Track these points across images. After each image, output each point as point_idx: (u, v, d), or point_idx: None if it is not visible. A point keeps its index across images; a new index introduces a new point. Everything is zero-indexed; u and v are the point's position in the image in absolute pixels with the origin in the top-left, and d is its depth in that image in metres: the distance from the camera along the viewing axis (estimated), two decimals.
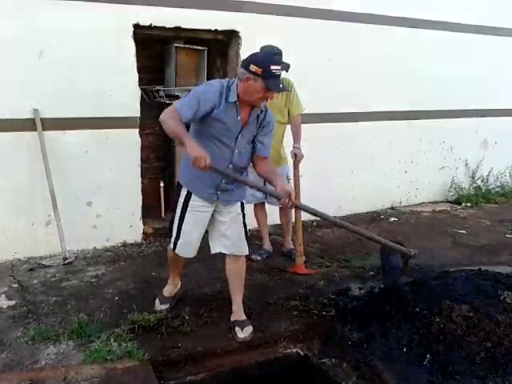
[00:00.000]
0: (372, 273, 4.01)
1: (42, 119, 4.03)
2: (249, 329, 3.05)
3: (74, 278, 3.80)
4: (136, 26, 4.29)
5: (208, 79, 4.97)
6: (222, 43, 4.90)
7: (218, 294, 3.54)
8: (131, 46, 4.30)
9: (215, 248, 3.06)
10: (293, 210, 4.05)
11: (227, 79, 2.91)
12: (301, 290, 3.69)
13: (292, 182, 4.08)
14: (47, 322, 3.11)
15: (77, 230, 4.31)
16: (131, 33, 4.28)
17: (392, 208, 5.89)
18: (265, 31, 4.60)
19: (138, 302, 3.41)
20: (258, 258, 4.19)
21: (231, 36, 4.79)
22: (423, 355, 2.78)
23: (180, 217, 3.01)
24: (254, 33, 4.60)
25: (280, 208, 4.26)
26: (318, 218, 5.17)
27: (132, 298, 3.50)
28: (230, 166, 2.90)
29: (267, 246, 4.32)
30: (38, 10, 3.92)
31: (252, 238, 4.62)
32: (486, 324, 2.80)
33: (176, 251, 3.09)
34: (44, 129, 4.05)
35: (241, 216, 3.06)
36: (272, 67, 2.65)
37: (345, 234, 4.95)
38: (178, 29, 4.50)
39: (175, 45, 4.69)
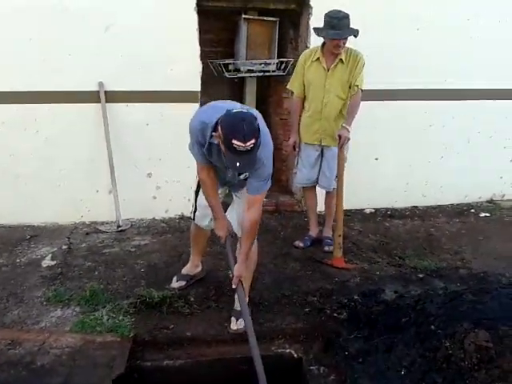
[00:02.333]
0: (421, 275, 3.52)
1: (106, 92, 4.22)
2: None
3: (118, 245, 3.99)
4: None
5: (280, 51, 4.76)
6: (293, 13, 4.60)
7: None
8: (194, 19, 4.24)
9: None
10: (334, 199, 3.71)
11: (214, 114, 2.49)
12: (328, 285, 3.39)
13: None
14: (68, 286, 3.32)
15: (137, 199, 4.51)
16: (194, 5, 4.22)
17: (490, 201, 5.08)
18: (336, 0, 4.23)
19: (160, 276, 3.47)
20: (301, 244, 3.95)
21: (303, 6, 4.47)
22: (419, 383, 2.38)
23: (197, 190, 3.05)
24: (324, 1, 4.22)
25: (326, 193, 3.94)
26: (392, 206, 4.80)
27: (157, 271, 3.56)
28: (227, 180, 2.88)
29: (313, 232, 4.03)
30: None
31: (288, 219, 4.48)
32: (507, 360, 2.27)
33: (195, 221, 3.12)
34: (107, 101, 4.24)
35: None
36: (233, 141, 2.25)
37: (416, 227, 4.46)
38: (244, 0, 4.33)
39: (244, 16, 4.53)
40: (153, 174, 4.51)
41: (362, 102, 4.50)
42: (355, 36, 3.51)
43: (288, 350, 2.82)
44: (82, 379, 2.37)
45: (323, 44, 3.63)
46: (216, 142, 2.46)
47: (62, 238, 4.11)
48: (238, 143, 2.25)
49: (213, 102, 2.68)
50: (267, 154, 2.54)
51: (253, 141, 2.27)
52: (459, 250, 4.00)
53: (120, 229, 4.28)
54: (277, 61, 4.63)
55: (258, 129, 2.34)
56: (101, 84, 4.20)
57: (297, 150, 3.88)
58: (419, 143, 4.83)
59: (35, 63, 4.04)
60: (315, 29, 3.59)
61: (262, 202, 2.71)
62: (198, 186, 3.00)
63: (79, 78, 4.15)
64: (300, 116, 3.82)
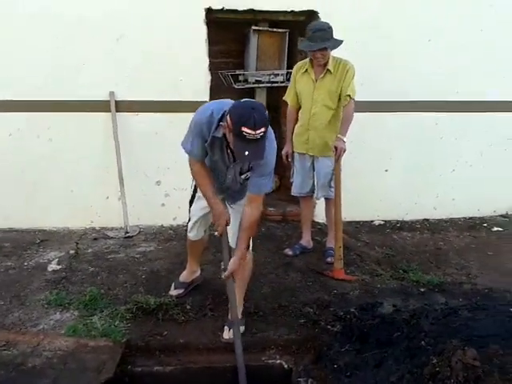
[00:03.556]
0: (423, 290, 3.47)
1: (116, 101, 4.32)
2: None
3: (123, 251, 4.06)
4: (208, 11, 4.28)
5: (289, 62, 4.78)
6: (303, 25, 4.60)
7: None
8: (203, 31, 4.31)
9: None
10: (332, 208, 3.71)
11: (222, 108, 2.49)
12: (326, 296, 3.38)
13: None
14: (70, 290, 3.39)
15: (146, 206, 4.59)
16: (203, 17, 4.29)
17: (504, 216, 4.97)
18: (342, 10, 4.26)
19: (160, 283, 3.52)
20: (290, 252, 3.98)
21: (312, 17, 4.48)
22: None
23: (190, 201, 3.07)
24: (331, 12, 4.24)
25: (325, 203, 3.94)
26: (402, 219, 4.74)
27: (158, 278, 3.61)
28: (226, 186, 2.85)
29: (305, 241, 4.05)
30: None
31: (294, 229, 4.46)
32: (494, 380, 2.21)
33: (187, 233, 3.18)
34: (118, 110, 4.34)
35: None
36: (243, 129, 2.26)
37: (425, 240, 4.40)
38: (252, 11, 4.38)
39: (253, 28, 4.58)
40: (162, 181, 4.58)
41: (373, 114, 4.55)
42: (332, 48, 3.55)
43: (278, 361, 2.82)
44: (70, 382, 2.41)
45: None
46: (220, 134, 2.47)
47: (71, 242, 4.21)
48: (248, 131, 2.25)
49: (220, 100, 2.66)
50: (271, 150, 2.55)
51: (262, 129, 2.29)
52: (466, 264, 3.93)
53: (127, 235, 4.36)
54: (285, 72, 4.65)
55: (268, 118, 2.37)
56: (112, 93, 4.31)
57: (289, 159, 3.92)
58: (430, 155, 4.78)
59: (48, 72, 4.17)
60: (299, 39, 3.66)
61: (262, 200, 2.71)
62: (193, 197, 3.02)
63: (91, 88, 4.25)
64: (294, 126, 3.86)
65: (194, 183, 3.01)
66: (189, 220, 3.14)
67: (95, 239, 4.30)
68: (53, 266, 3.75)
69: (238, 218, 2.86)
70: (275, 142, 2.62)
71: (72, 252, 4.01)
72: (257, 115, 2.28)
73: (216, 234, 2.84)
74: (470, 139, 4.77)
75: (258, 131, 2.27)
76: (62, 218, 4.49)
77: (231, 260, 2.70)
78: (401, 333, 2.73)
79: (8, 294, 3.32)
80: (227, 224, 2.76)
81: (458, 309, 2.83)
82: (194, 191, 3.02)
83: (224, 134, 2.48)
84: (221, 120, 2.46)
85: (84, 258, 3.91)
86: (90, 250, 4.07)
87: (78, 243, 4.20)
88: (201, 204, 2.98)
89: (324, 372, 2.67)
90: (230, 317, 2.98)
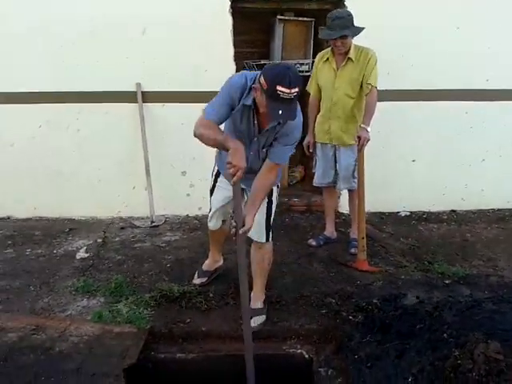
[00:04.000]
0: (448, 282, 3.42)
1: (142, 92, 4.38)
2: (259, 319, 2.95)
3: (149, 240, 4.14)
4: (234, 0, 4.28)
5: (315, 51, 4.73)
6: (328, 13, 4.55)
7: None
8: (228, 21, 4.31)
9: None
10: (356, 199, 3.68)
11: (252, 76, 2.50)
12: (349, 287, 3.36)
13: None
14: (97, 277, 3.48)
15: (172, 196, 4.66)
16: (228, 7, 4.29)
17: None
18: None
19: (185, 272, 3.57)
20: (314, 243, 3.97)
21: (338, 5, 4.43)
22: None
23: (211, 190, 3.08)
24: (359, 1, 4.19)
25: (349, 194, 3.92)
26: (429, 210, 4.68)
27: (182, 266, 3.67)
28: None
29: (329, 232, 4.03)
30: None
31: (318, 220, 4.45)
32: None
33: (208, 221, 3.17)
34: (144, 101, 4.40)
35: (265, 202, 2.90)
36: (278, 88, 2.25)
37: (452, 232, 4.33)
38: (277, 0, 4.36)
39: (278, 17, 4.55)
40: (187, 172, 4.63)
41: (401, 102, 4.49)
42: (352, 36, 3.50)
43: (299, 351, 2.83)
44: (95, 366, 2.48)
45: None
46: (250, 102, 2.45)
47: (99, 231, 4.31)
48: (283, 89, 2.25)
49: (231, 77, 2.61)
50: (299, 119, 2.55)
51: (297, 89, 2.29)
52: (493, 257, 3.84)
53: (153, 224, 4.43)
54: (311, 61, 4.62)
55: (301, 78, 2.37)
56: (138, 85, 4.36)
57: (310, 150, 3.91)
58: (459, 145, 4.67)
59: (77, 65, 4.26)
60: (319, 29, 3.61)
61: (278, 169, 2.70)
62: (213, 186, 3.04)
63: (118, 79, 4.33)
64: (316, 116, 3.84)
65: (214, 171, 3.03)
66: (210, 210, 3.16)
67: (122, 228, 4.39)
68: (81, 254, 3.85)
69: (259, 209, 2.86)
70: (302, 116, 2.61)
71: (99, 240, 4.11)
72: (292, 74, 2.29)
73: (231, 181, 2.38)
74: (501, 129, 4.64)
75: (292, 90, 2.27)
76: (90, 208, 4.60)
77: (246, 218, 2.48)
78: (423, 324, 2.71)
79: (38, 281, 3.43)
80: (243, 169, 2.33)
81: (483, 301, 2.78)
82: (215, 181, 3.04)
83: (254, 101, 2.47)
84: (250, 88, 2.47)
85: (111, 247, 4.00)
86: (117, 239, 4.15)
87: (105, 232, 4.30)
88: (220, 194, 3.00)
89: (345, 362, 2.67)
90: (251, 305, 3.00)
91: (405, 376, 2.44)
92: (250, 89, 2.47)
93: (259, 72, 2.43)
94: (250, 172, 2.65)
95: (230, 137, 2.45)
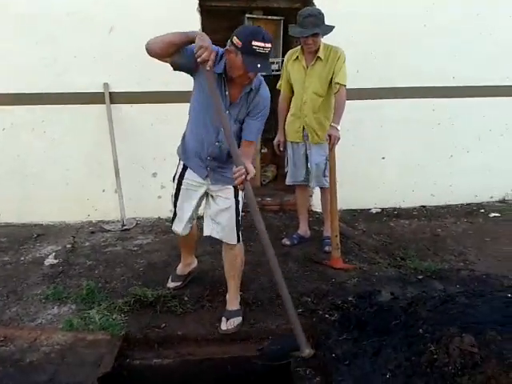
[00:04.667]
0: (421, 277, 3.47)
1: (110, 93, 4.29)
2: (235, 320, 2.92)
3: (120, 244, 4.05)
4: None
5: (284, 50, 4.73)
6: (297, 11, 4.56)
7: None
8: (197, 19, 4.27)
9: (206, 231, 2.95)
10: (328, 197, 3.68)
11: (223, 48, 2.57)
12: (324, 285, 3.37)
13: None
14: (67, 284, 3.38)
15: (143, 199, 4.59)
16: (196, 5, 4.24)
17: (502, 201, 4.96)
18: None
19: (158, 275, 3.51)
20: (288, 242, 3.97)
21: (307, 4, 4.43)
22: None
23: (175, 193, 2.98)
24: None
25: (320, 192, 3.93)
26: (399, 206, 4.74)
27: (155, 271, 3.60)
28: (217, 143, 2.73)
29: (302, 231, 4.04)
30: None
31: (292, 219, 4.44)
32: (492, 366, 2.21)
33: (172, 227, 3.08)
34: (112, 102, 4.30)
35: (234, 203, 2.87)
36: (254, 43, 2.34)
37: (422, 227, 4.39)
38: None
39: (247, 15, 4.53)
40: (158, 173, 4.56)
41: (369, 101, 4.53)
42: (323, 34, 3.51)
43: None
44: (68, 377, 2.41)
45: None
46: (221, 70, 2.50)
47: (68, 236, 4.20)
48: (259, 43, 2.34)
49: None
50: (267, 93, 2.64)
51: (270, 44, 2.39)
52: (464, 251, 3.92)
53: (124, 228, 4.35)
54: (280, 60, 4.61)
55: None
56: (106, 85, 4.27)
57: (281, 148, 3.91)
58: (427, 142, 4.76)
59: (42, 65, 4.16)
60: (289, 26, 3.62)
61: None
62: (178, 189, 2.94)
63: (85, 80, 4.24)
64: (286, 115, 3.85)
65: (177, 173, 2.91)
66: (174, 214, 3.03)
67: (92, 232, 4.30)
68: (50, 261, 3.74)
69: (228, 210, 2.84)
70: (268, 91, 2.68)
71: (69, 246, 4.01)
72: (264, 31, 2.40)
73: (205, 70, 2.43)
74: (468, 125, 4.75)
75: (267, 44, 2.37)
76: (58, 212, 4.48)
77: (247, 166, 2.47)
78: (398, 321, 2.73)
79: (5, 290, 3.31)
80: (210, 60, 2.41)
81: (456, 296, 2.82)
82: (179, 183, 2.92)
83: (224, 70, 2.51)
84: (220, 57, 2.52)
85: (81, 252, 3.90)
86: (87, 244, 4.06)
87: (74, 237, 4.20)
88: (187, 201, 2.92)
89: (322, 361, 2.66)
90: (227, 307, 2.99)
91: (382, 372, 2.44)
92: (221, 57, 2.52)
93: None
94: (221, 148, 2.72)
95: (199, 118, 2.62)
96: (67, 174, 4.42)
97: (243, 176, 2.45)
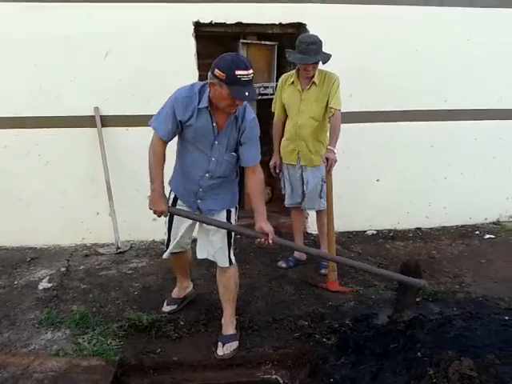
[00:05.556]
0: (418, 299, 3.44)
1: (101, 116, 4.29)
2: (231, 345, 2.89)
3: (115, 268, 4.02)
4: (197, 24, 4.30)
5: (278, 74, 4.79)
6: (292, 37, 4.63)
7: None
8: (192, 45, 4.32)
9: (201, 254, 2.95)
10: (325, 220, 3.69)
11: (201, 82, 2.68)
12: (321, 308, 3.35)
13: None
14: (61, 308, 3.34)
15: (137, 222, 4.53)
16: (192, 31, 4.30)
17: (496, 223, 4.99)
18: (331, 22, 4.28)
19: (153, 299, 3.48)
20: (284, 265, 3.97)
21: (300, 29, 4.51)
22: None
23: (169, 220, 2.98)
24: (320, 24, 4.27)
25: (317, 215, 3.94)
26: (394, 228, 4.75)
27: (150, 294, 3.57)
28: (207, 174, 2.77)
29: (298, 253, 4.03)
30: (105, 12, 4.16)
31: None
32: None
33: (164, 255, 3.09)
34: (103, 125, 4.30)
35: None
36: (237, 72, 2.38)
37: (418, 249, 4.40)
38: (241, 25, 4.40)
39: (242, 41, 4.59)
40: None
41: (364, 124, 4.59)
42: (323, 62, 3.55)
43: (274, 376, 2.80)
44: None
45: (298, 68, 3.66)
46: (206, 104, 2.54)
47: (62, 260, 4.16)
48: (242, 72, 2.38)
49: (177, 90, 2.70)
50: (253, 115, 2.70)
51: (251, 70, 2.44)
52: (459, 273, 3.93)
53: (119, 251, 4.32)
54: (274, 84, 4.66)
55: None
56: (96, 109, 4.28)
57: (277, 171, 3.94)
58: (421, 164, 4.80)
59: (36, 89, 4.16)
60: (287, 51, 3.67)
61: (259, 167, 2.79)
62: (171, 217, 2.94)
63: (76, 103, 4.25)
64: (281, 138, 3.88)
65: (169, 200, 2.92)
66: (168, 240, 3.03)
67: (86, 256, 4.26)
68: (44, 285, 3.70)
69: (220, 231, 2.84)
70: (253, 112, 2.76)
71: (63, 269, 3.97)
72: (243, 58, 2.52)
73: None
74: (461, 147, 4.80)
75: (250, 71, 2.42)
76: (52, 235, 4.44)
77: (263, 225, 2.66)
78: (397, 344, 2.71)
79: None
80: (163, 214, 2.81)
81: (453, 318, 2.82)
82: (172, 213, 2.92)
83: (210, 103, 2.55)
84: (200, 92, 2.56)
85: (75, 276, 3.86)
86: (81, 267, 4.02)
87: (68, 260, 4.16)
88: (182, 224, 2.93)
89: None
90: (223, 332, 2.96)
91: None
92: (201, 93, 2.56)
93: (200, 83, 2.63)
94: (212, 178, 2.76)
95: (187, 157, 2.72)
96: (62, 197, 4.39)
97: (266, 242, 2.68)
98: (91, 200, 4.44)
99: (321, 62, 3.59)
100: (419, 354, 2.52)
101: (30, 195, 4.35)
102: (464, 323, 2.72)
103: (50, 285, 3.70)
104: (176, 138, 2.80)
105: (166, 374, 2.77)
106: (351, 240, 4.63)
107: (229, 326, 2.98)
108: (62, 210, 4.42)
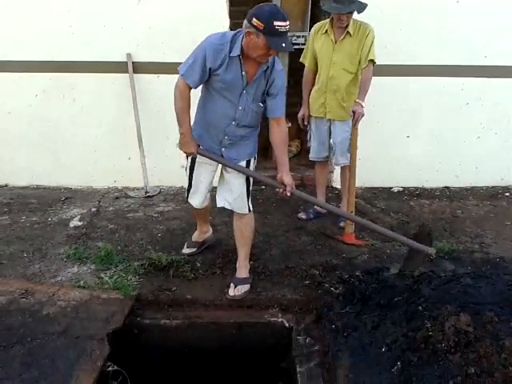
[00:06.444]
0: (433, 257, 3.46)
1: (133, 63, 4.36)
2: (243, 287, 3.03)
3: (142, 210, 4.20)
4: None
5: (312, 24, 4.68)
6: None
7: None
8: None
9: (219, 202, 3.06)
10: (347, 174, 3.70)
11: (233, 31, 2.68)
12: (334, 260, 3.43)
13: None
14: (88, 245, 3.56)
15: (167, 168, 4.68)
16: None
17: None
18: None
19: (174, 242, 3.65)
20: (303, 216, 4.04)
21: None
22: (396, 361, 2.40)
23: (191, 167, 3.09)
24: None
25: (341, 169, 3.94)
26: (422, 186, 4.70)
27: (173, 237, 3.74)
28: (233, 122, 2.81)
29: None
30: None
31: (311, 194, 4.45)
32: (485, 346, 2.24)
33: (188, 200, 3.18)
34: (135, 71, 4.38)
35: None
36: (276, 23, 2.39)
37: (442, 208, 4.36)
38: None
39: None
40: None
41: (394, 78, 4.47)
42: (358, 12, 3.45)
43: (280, 320, 2.91)
44: (80, 330, 2.58)
45: (332, 17, 3.58)
46: (238, 52, 2.55)
47: (94, 201, 4.38)
48: (281, 23, 2.40)
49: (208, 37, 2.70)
50: (281, 67, 2.74)
51: (288, 22, 2.46)
52: (481, 233, 3.88)
53: (148, 195, 4.49)
54: (307, 33, 4.57)
55: None
56: (128, 55, 4.35)
57: (305, 123, 3.89)
58: (454, 122, 4.66)
59: (71, 34, 4.26)
60: (321, 1, 3.56)
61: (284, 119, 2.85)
62: (193, 162, 3.04)
63: (109, 49, 4.32)
64: (311, 89, 3.82)
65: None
66: (189, 186, 3.14)
67: (117, 198, 4.46)
68: (74, 223, 3.93)
69: (239, 179, 2.93)
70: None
71: (94, 210, 4.18)
72: (280, 9, 2.51)
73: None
74: (497, 106, 4.62)
75: (287, 22, 2.44)
76: (86, 177, 4.66)
77: (284, 176, 2.78)
78: (401, 297, 2.77)
79: (31, 247, 3.52)
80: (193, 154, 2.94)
81: (461, 276, 2.84)
82: (193, 158, 3.02)
83: (241, 52, 2.56)
84: (232, 41, 2.57)
85: (104, 216, 4.08)
86: (110, 208, 4.23)
87: (100, 201, 4.37)
88: (204, 173, 3.03)
89: (322, 331, 2.75)
90: (236, 274, 3.10)
91: (379, 346, 2.51)
92: (232, 41, 2.57)
93: (233, 32, 2.61)
94: (238, 126, 2.81)
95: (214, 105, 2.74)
96: (95, 142, 4.57)
97: (284, 194, 2.79)
98: (123, 145, 4.59)
99: (356, 12, 3.50)
100: (420, 307, 2.58)
101: (66, 138, 4.55)
102: (471, 281, 2.74)
103: (80, 223, 3.93)
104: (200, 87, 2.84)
105: (179, 311, 2.94)
106: (376, 196, 4.62)
107: (242, 269, 3.12)
108: (96, 153, 4.61)
